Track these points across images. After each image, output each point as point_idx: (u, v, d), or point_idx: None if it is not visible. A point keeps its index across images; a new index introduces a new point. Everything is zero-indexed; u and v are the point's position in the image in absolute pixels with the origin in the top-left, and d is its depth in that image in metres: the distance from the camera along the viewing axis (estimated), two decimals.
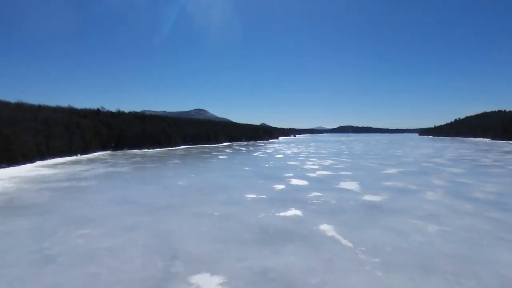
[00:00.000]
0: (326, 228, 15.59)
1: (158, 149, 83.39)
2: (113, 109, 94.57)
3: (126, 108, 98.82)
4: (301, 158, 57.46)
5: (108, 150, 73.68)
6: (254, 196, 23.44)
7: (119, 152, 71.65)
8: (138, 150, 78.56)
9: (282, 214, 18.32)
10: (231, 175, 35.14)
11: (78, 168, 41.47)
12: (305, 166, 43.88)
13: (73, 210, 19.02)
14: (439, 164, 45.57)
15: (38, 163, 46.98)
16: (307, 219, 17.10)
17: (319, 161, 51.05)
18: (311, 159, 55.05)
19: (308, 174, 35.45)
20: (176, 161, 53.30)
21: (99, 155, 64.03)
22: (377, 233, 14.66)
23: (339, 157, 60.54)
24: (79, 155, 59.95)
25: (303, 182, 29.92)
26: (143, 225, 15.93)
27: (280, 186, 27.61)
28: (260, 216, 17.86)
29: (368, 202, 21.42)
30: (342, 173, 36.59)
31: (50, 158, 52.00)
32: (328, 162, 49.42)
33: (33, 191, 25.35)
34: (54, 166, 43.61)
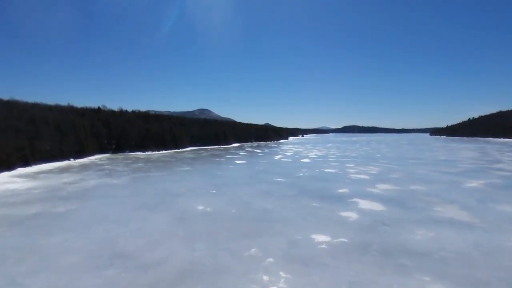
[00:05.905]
0: None
1: (164, 152, 74.54)
2: (115, 108, 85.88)
3: (130, 109, 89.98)
4: (334, 164, 48.16)
5: (107, 153, 64.93)
6: (327, 239, 14.28)
7: (120, 156, 62.86)
8: (141, 153, 69.75)
9: None
10: (265, 191, 26.01)
11: (64, 178, 32.60)
12: (352, 176, 34.60)
13: None
14: None
15: (19, 171, 38.30)
16: None
17: (362, 168, 41.65)
18: (347, 165, 45.71)
19: (369, 190, 26.22)
20: (186, 167, 44.28)
21: (95, 159, 55.26)
22: None
23: (377, 161, 51.09)
24: (72, 159, 51.21)
25: (377, 206, 20.70)
26: None
27: (351, 215, 18.44)
28: None
29: None
30: (412, 187, 27.29)
31: (35, 164, 43.35)
32: (373, 170, 40.04)
33: None
34: (35, 175, 34.81)
